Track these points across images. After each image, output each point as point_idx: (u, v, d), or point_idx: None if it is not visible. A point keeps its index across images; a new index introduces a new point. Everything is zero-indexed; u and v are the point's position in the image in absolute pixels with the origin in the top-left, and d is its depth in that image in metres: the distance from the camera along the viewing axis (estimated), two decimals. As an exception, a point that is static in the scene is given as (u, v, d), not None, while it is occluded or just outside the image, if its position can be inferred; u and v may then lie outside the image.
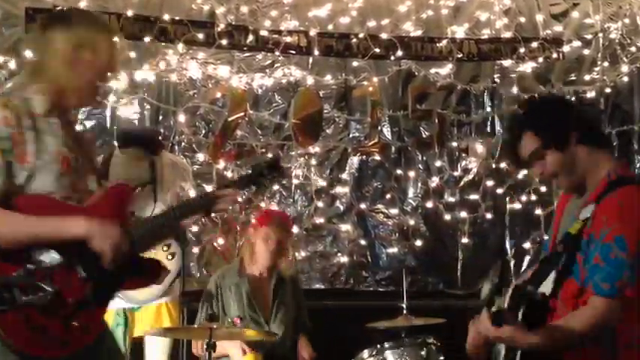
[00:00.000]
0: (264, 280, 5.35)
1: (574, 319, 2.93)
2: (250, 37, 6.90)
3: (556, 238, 3.25)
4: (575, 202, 3.25)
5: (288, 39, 6.97)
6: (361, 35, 7.10)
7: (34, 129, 3.02)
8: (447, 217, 7.21)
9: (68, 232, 2.97)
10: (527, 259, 7.23)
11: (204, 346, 4.60)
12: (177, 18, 6.74)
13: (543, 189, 7.16)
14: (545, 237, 7.10)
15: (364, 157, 7.25)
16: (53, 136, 3.07)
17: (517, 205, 7.27)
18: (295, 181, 7.03)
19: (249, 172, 3.75)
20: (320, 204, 7.04)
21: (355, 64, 7.21)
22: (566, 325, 2.92)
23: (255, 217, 5.76)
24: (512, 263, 7.20)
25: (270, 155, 4.54)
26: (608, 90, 7.45)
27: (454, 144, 7.33)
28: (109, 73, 3.28)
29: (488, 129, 7.42)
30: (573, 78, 7.54)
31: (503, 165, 7.22)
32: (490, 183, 7.24)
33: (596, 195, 3.07)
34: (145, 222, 3.37)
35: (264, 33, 6.93)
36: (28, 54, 6.37)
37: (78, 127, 6.47)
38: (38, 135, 3.02)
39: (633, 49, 7.47)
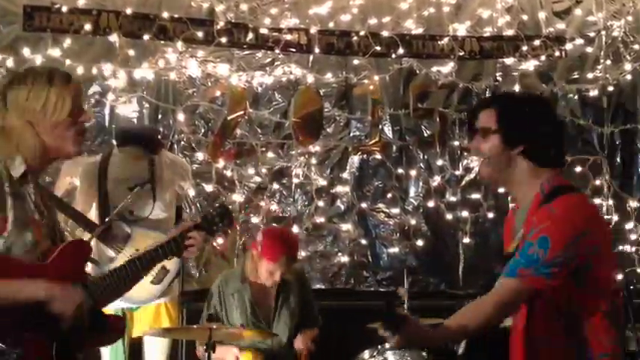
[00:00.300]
0: (267, 286, 5.30)
1: (475, 302, 3.07)
2: (250, 35, 6.90)
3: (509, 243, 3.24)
4: (518, 216, 3.21)
5: (289, 37, 6.98)
6: (362, 33, 7.10)
7: (13, 195, 2.96)
8: (449, 216, 7.20)
9: (28, 296, 2.89)
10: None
11: (205, 347, 4.61)
12: (176, 16, 6.75)
13: (545, 188, 7.13)
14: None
15: (365, 156, 7.24)
16: (28, 203, 3.01)
17: (519, 205, 7.24)
18: (295, 181, 7.03)
19: (202, 219, 3.66)
20: (320, 203, 7.04)
21: (356, 62, 7.20)
22: (468, 308, 3.07)
23: (261, 242, 5.28)
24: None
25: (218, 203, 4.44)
26: (610, 88, 7.45)
27: (456, 143, 7.32)
28: (81, 119, 3.11)
29: (491, 128, 7.38)
30: (576, 76, 7.54)
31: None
32: (492, 182, 7.22)
33: (534, 207, 3.04)
34: (107, 277, 3.23)
35: (264, 31, 6.93)
36: (26, 52, 6.43)
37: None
38: (16, 202, 2.96)
39: (636, 47, 7.48)
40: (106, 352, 5.16)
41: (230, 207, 4.26)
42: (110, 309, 5.02)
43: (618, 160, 7.48)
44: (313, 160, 7.08)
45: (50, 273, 2.98)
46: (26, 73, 3.13)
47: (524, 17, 7.44)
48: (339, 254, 7.07)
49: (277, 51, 6.99)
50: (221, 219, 3.69)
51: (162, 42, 6.76)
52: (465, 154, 7.30)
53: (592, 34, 7.50)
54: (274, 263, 5.14)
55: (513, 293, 2.93)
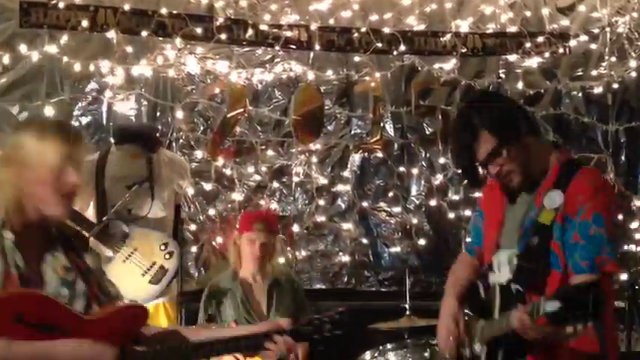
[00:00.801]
0: (257, 282, 5.30)
1: None
2: (250, 32, 6.90)
3: (501, 222, 3.31)
4: (518, 202, 3.28)
5: (289, 33, 6.97)
6: (363, 29, 7.10)
7: None
8: (451, 215, 7.19)
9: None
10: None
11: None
12: (174, 12, 6.74)
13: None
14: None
15: (366, 154, 7.23)
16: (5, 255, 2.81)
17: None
18: (296, 179, 7.02)
19: (311, 326, 3.27)
20: (321, 202, 7.03)
21: (357, 59, 7.19)
22: None
23: (238, 220, 5.62)
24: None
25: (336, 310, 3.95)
26: (615, 85, 7.42)
27: (458, 141, 7.28)
28: (68, 179, 2.86)
29: (493, 125, 7.37)
30: (580, 73, 7.52)
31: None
32: (495, 180, 7.21)
33: (552, 181, 3.15)
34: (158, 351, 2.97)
35: (263, 27, 6.93)
36: (23, 48, 6.42)
37: (73, 123, 6.50)
38: None
39: (641, 43, 7.47)
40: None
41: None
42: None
43: (623, 158, 7.45)
44: (314, 159, 7.06)
45: (94, 332, 2.83)
46: (28, 120, 2.98)
47: (528, 13, 7.42)
48: (340, 254, 7.06)
49: (277, 48, 6.98)
50: (333, 327, 3.28)
51: (160, 38, 6.75)
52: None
53: (596, 31, 7.48)
54: (252, 231, 5.16)
55: (607, 288, 2.98)
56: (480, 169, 3.28)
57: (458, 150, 3.33)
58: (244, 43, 6.96)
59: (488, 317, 3.23)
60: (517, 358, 3.07)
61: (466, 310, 3.43)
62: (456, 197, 7.23)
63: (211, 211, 6.79)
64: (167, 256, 5.09)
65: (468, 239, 3.69)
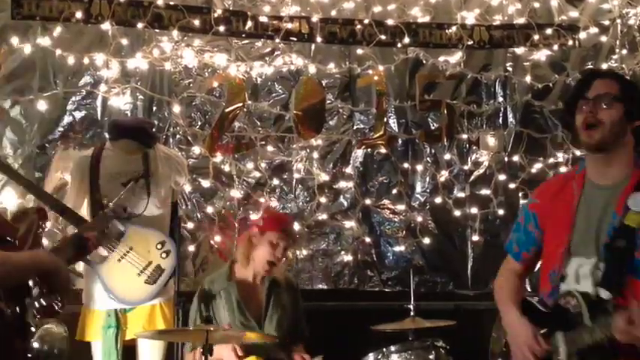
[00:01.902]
0: (255, 283, 5.27)
1: None
2: (249, 24, 6.88)
3: (572, 228, 3.28)
4: (598, 192, 3.28)
5: (289, 25, 6.96)
6: (366, 21, 7.08)
7: None
8: (457, 213, 7.17)
9: (42, 266, 2.96)
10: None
11: (201, 350, 4.57)
12: (171, 3, 6.73)
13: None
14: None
15: (369, 150, 7.21)
16: None
17: (531, 201, 7.22)
18: (296, 176, 7.00)
19: None
20: (323, 199, 7.01)
21: (360, 51, 7.17)
22: None
23: (260, 218, 5.59)
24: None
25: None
26: (626, 79, 7.40)
27: (464, 136, 7.29)
28: None
29: (500, 120, 7.37)
30: (590, 66, 7.47)
31: (516, 158, 7.20)
32: (502, 177, 7.21)
33: (633, 185, 3.18)
34: None
35: (263, 19, 6.91)
36: (15, 41, 6.41)
37: (67, 118, 6.50)
38: None
39: (653, 35, 7.45)
40: (98, 354, 5.14)
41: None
42: (102, 309, 5.08)
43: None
44: (315, 155, 7.05)
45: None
46: None
47: (536, 5, 7.40)
48: (343, 253, 7.04)
49: (277, 40, 6.96)
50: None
51: (156, 30, 6.72)
52: (474, 147, 7.28)
53: (607, 23, 7.46)
54: (276, 232, 5.18)
55: None
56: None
57: (579, 83, 3.43)
58: (243, 35, 6.94)
59: (570, 329, 3.15)
60: None
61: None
62: (461, 194, 7.21)
63: (209, 209, 6.77)
64: (163, 255, 5.08)
65: (514, 245, 3.58)
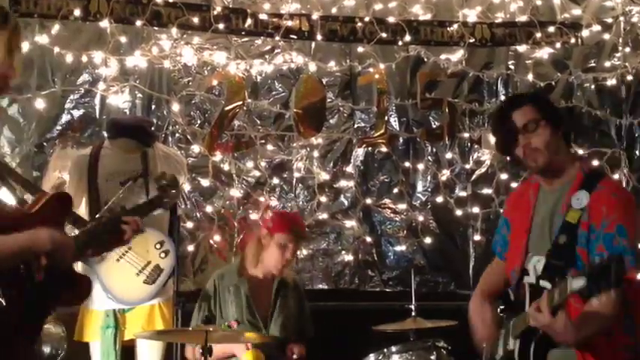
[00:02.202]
0: (265, 282, 5.28)
1: (597, 311, 3.14)
2: (249, 21, 6.87)
3: (529, 229, 3.57)
4: (548, 194, 3.56)
5: (289, 23, 6.95)
6: (367, 19, 7.07)
7: None
8: (459, 212, 7.16)
9: (27, 245, 2.93)
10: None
11: (200, 350, 4.57)
12: (170, 0, 6.72)
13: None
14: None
15: (370, 148, 7.21)
16: None
17: (533, 200, 7.21)
18: (297, 175, 6.99)
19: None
20: (323, 199, 7.01)
21: (360, 49, 7.17)
22: (594, 315, 3.15)
23: (269, 219, 5.56)
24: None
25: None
26: (629, 77, 7.40)
27: (466, 135, 7.29)
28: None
29: (502, 119, 7.35)
30: (593, 64, 7.49)
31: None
32: (504, 176, 7.20)
33: (577, 185, 3.43)
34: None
35: (263, 16, 6.91)
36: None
37: (65, 116, 6.50)
38: None
39: (657, 33, 7.45)
40: (97, 355, 5.14)
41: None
42: (101, 309, 5.08)
43: (637, 152, 7.42)
44: (315, 153, 7.05)
45: (37, 222, 3.02)
46: None
47: (538, 2, 7.39)
48: (343, 252, 7.03)
49: (277, 38, 6.96)
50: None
51: (155, 28, 6.72)
52: (476, 146, 7.27)
53: (610, 20, 7.45)
54: (286, 234, 5.19)
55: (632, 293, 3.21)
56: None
57: (498, 118, 3.69)
58: (243, 33, 6.94)
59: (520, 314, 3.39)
60: (549, 348, 3.21)
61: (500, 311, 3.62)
62: (463, 194, 7.21)
63: (209, 208, 6.77)
64: (162, 255, 5.07)
65: (497, 246, 3.87)
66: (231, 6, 6.91)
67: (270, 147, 6.97)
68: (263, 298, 5.25)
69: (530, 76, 7.31)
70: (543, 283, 3.31)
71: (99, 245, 3.59)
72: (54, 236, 2.97)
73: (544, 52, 7.35)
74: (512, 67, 7.41)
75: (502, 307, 3.59)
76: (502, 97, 7.33)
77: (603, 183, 3.43)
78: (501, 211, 7.12)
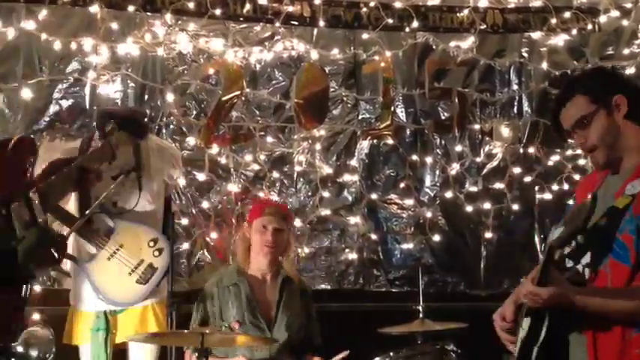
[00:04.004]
0: (267, 280, 5.27)
1: (625, 296, 3.10)
2: (247, 6, 6.90)
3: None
4: (612, 179, 3.40)
5: (290, 8, 6.97)
6: (372, 4, 7.10)
7: None
8: (469, 208, 7.17)
9: None
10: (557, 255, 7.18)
11: (196, 354, 4.57)
12: (165, -16, 6.72)
13: (577, 177, 7.11)
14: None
15: (375, 141, 7.21)
16: None
17: (547, 195, 7.23)
18: (298, 169, 6.99)
19: None
20: (326, 194, 7.00)
21: (365, 36, 7.17)
22: (614, 297, 3.10)
23: (247, 212, 5.66)
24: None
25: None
26: (649, 65, 7.41)
27: (476, 126, 7.30)
28: None
29: (515, 109, 7.38)
30: (611, 52, 7.51)
31: (531, 150, 7.19)
32: (517, 170, 7.21)
33: (637, 172, 3.28)
34: None
35: (262, 1, 6.93)
36: (-3, 24, 6.40)
37: (53, 107, 6.48)
38: None
39: (678, 19, 7.44)
40: (87, 359, 5.13)
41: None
42: (91, 311, 5.07)
43: (657, 144, 7.41)
44: (317, 146, 7.05)
45: None
46: None
47: (553, -14, 7.41)
48: (347, 251, 7.03)
49: (277, 24, 6.96)
50: None
51: (149, 14, 6.72)
52: (487, 138, 7.27)
53: (629, 5, 7.47)
54: (264, 216, 5.22)
55: None
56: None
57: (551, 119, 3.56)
58: (241, 18, 6.95)
59: None
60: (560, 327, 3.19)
61: None
62: (473, 188, 7.22)
63: (205, 204, 6.76)
64: (156, 254, 5.07)
65: None
66: (228, -10, 6.91)
67: (269, 139, 6.96)
68: (265, 297, 5.24)
69: (544, 65, 7.31)
70: (570, 264, 3.29)
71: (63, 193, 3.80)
72: None
73: (559, 39, 7.36)
74: (525, 54, 7.42)
75: None
76: (515, 87, 7.34)
77: None
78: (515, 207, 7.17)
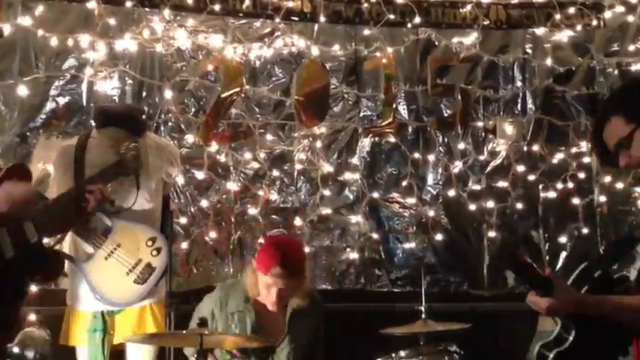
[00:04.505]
0: (275, 313, 5.03)
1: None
2: (247, 2, 6.90)
3: None
4: None
5: (290, 4, 6.98)
6: (373, -1, 7.07)
7: None
8: (472, 207, 7.16)
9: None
10: (563, 255, 7.18)
11: (195, 356, 4.55)
12: (163, -21, 6.72)
13: (582, 175, 7.12)
14: (585, 230, 7.07)
15: (377, 139, 7.21)
16: None
17: (552, 194, 7.22)
18: (298, 167, 6.98)
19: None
20: (326, 192, 7.00)
21: (367, 32, 7.17)
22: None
23: (260, 249, 5.19)
24: (545, 260, 7.15)
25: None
26: (656, 62, 7.41)
27: (480, 124, 7.30)
28: None
29: (519, 106, 7.37)
30: (616, 48, 7.52)
31: (535, 148, 7.19)
32: (521, 168, 7.21)
33: None
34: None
35: (262, -4, 6.91)
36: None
37: (50, 104, 6.48)
38: None
39: (685, 14, 7.44)
40: (84, 360, 5.13)
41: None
42: (88, 311, 5.06)
43: (664, 143, 7.41)
44: (318, 144, 7.04)
45: None
46: None
47: (557, -19, 7.41)
48: (348, 250, 7.02)
49: (277, 20, 6.96)
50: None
51: (147, 9, 6.73)
52: (490, 136, 7.27)
53: (634, 1, 7.48)
54: (267, 276, 4.85)
55: None
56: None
57: (592, 140, 3.45)
58: (241, 14, 6.94)
59: None
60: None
61: None
62: (477, 187, 7.22)
63: (204, 203, 6.75)
64: (154, 253, 5.05)
65: None
66: (227, -15, 6.91)
67: (269, 137, 6.95)
68: (272, 328, 5.00)
69: (548, 61, 7.32)
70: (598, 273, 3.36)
71: (63, 219, 3.70)
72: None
73: (564, 35, 7.37)
74: (529, 51, 7.42)
75: None
76: (519, 84, 7.33)
77: None
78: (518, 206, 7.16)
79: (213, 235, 6.70)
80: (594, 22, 7.39)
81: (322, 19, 6.99)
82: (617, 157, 3.34)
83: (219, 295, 5.14)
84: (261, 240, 6.60)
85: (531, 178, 7.20)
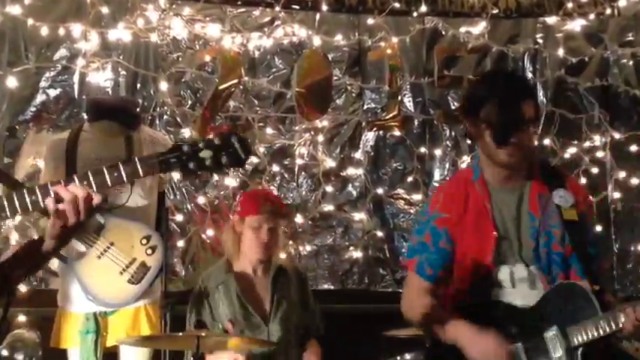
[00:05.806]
0: (258, 274, 5.21)
1: None
2: (246, -11, 6.89)
3: (495, 236, 3.62)
4: (502, 195, 3.66)
5: (291, -9, 6.96)
6: (378, -13, 7.07)
7: None
8: (480, 203, 7.14)
9: None
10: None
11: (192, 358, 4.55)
12: (158, -34, 6.72)
13: (595, 170, 7.10)
14: (598, 227, 7.05)
15: (381, 132, 7.22)
16: None
17: (563, 190, 7.20)
18: (299, 162, 7.00)
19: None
20: (329, 188, 7.00)
21: (371, 21, 7.18)
22: None
23: (239, 201, 5.56)
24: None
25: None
26: (671, 52, 7.41)
27: (488, 117, 7.26)
28: None
29: (530, 98, 7.35)
30: (630, 38, 7.52)
31: (547, 141, 7.17)
32: (532, 163, 7.18)
33: (540, 182, 3.63)
34: None
35: (262, -16, 6.92)
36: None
37: (40, 96, 6.48)
38: None
39: (702, 3, 7.44)
40: (77, 363, 5.13)
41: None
42: (80, 312, 5.06)
43: (681, 136, 7.42)
44: (320, 138, 7.05)
45: None
46: None
47: (570, -33, 7.40)
48: (351, 249, 7.04)
49: (278, 8, 6.98)
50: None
51: (141, -3, 6.73)
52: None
53: (650, -12, 7.45)
54: (257, 215, 5.08)
55: None
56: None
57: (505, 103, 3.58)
58: (239, 2, 6.97)
59: (562, 324, 3.42)
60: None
61: None
62: (485, 183, 7.18)
63: (201, 199, 6.76)
64: (149, 252, 5.04)
65: (426, 267, 3.88)
66: (226, -28, 6.91)
67: (269, 130, 6.97)
68: (257, 292, 5.18)
69: (560, 51, 7.32)
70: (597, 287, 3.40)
71: None
72: None
73: (576, 24, 7.37)
74: (540, 40, 7.44)
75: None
76: (529, 75, 7.33)
77: (564, 174, 3.72)
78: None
79: (210, 232, 6.70)
80: (608, 11, 7.40)
81: (324, 7, 7.00)
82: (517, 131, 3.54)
83: (203, 276, 5.29)
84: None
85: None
